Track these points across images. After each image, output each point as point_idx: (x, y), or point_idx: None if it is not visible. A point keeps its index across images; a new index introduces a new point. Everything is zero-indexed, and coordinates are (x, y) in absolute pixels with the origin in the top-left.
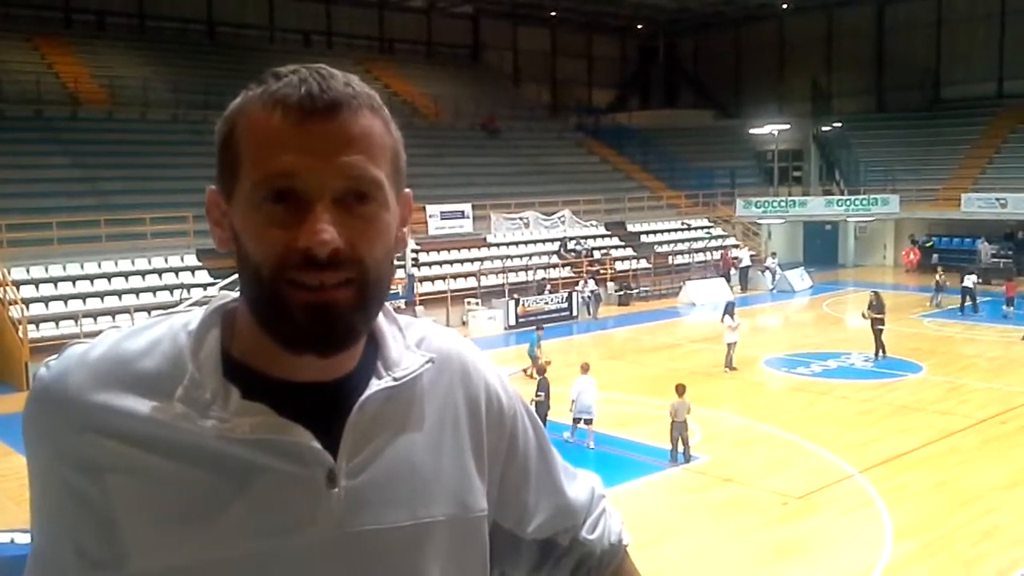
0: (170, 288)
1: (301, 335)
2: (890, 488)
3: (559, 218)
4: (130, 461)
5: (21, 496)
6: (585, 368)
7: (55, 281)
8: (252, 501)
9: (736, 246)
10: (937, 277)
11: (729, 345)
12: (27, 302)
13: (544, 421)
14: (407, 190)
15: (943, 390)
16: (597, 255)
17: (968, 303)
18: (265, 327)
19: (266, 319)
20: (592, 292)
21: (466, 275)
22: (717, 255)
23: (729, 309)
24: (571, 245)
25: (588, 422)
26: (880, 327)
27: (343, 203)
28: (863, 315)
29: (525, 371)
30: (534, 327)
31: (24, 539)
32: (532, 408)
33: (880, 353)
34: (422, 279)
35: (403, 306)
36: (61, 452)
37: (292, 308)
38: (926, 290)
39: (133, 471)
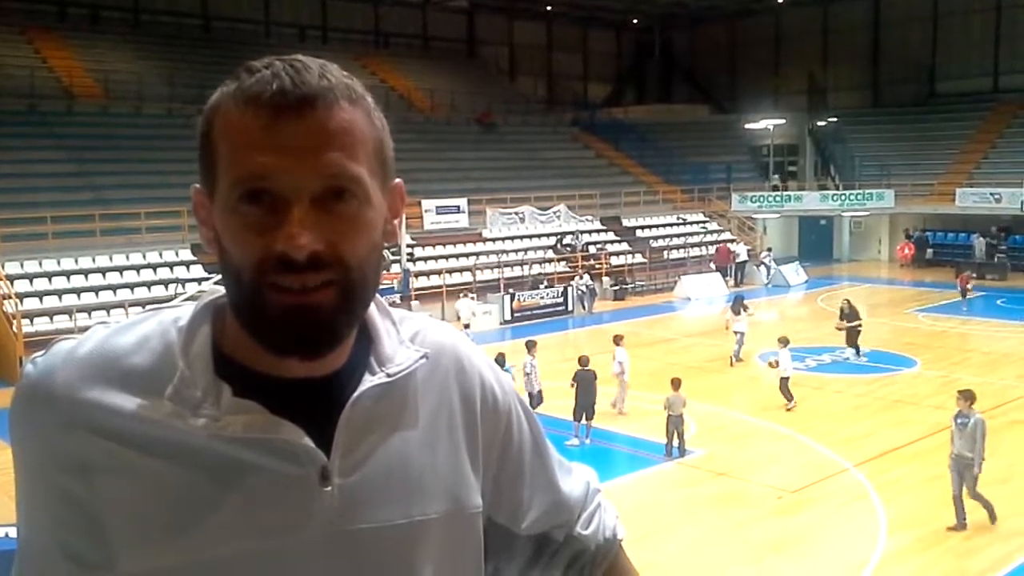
0: (164, 283)
1: (283, 338)
2: (884, 482)
3: (555, 213)
4: (119, 460)
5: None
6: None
7: (49, 275)
8: (244, 500)
9: (732, 241)
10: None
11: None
12: (21, 296)
13: (592, 416)
14: (397, 180)
15: (937, 384)
16: (592, 250)
17: None
18: (248, 330)
19: (248, 322)
20: (587, 287)
21: (461, 270)
22: (711, 250)
23: (733, 303)
24: (566, 240)
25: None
26: (858, 331)
27: (322, 202)
28: (836, 327)
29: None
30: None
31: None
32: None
33: (856, 353)
34: (417, 274)
35: (398, 301)
36: (48, 451)
37: (273, 311)
38: (920, 285)
39: (122, 470)
